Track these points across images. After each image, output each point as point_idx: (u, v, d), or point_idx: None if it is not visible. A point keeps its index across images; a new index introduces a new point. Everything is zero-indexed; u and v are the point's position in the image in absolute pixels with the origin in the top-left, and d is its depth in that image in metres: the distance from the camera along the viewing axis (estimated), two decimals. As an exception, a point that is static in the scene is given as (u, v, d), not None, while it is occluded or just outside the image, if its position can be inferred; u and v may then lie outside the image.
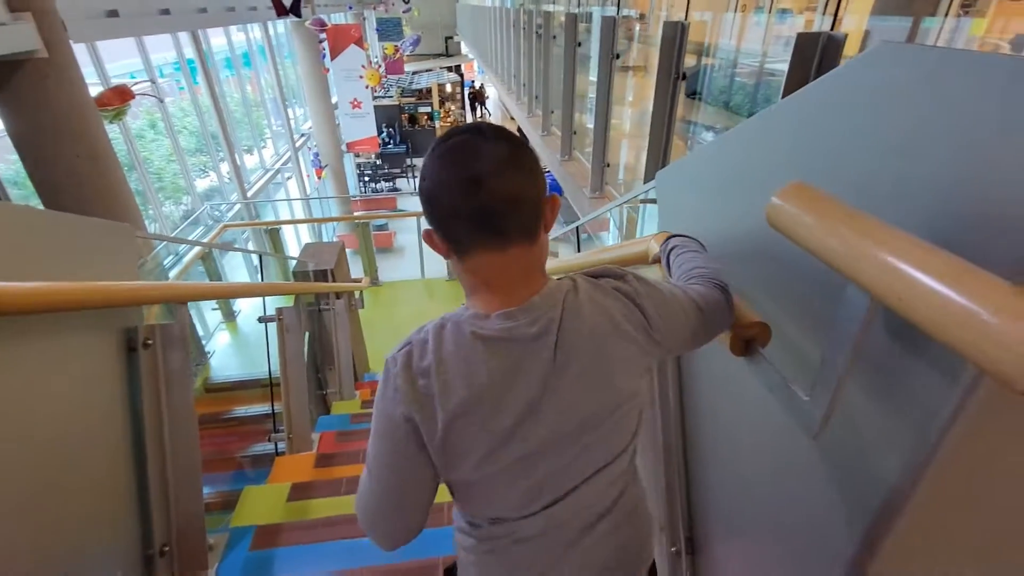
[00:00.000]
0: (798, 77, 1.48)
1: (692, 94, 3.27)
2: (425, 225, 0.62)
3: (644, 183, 2.74)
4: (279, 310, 2.46)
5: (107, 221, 1.40)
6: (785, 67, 3.19)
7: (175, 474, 1.48)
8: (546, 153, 5.36)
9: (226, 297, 1.73)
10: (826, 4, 2.82)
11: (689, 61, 3.08)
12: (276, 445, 2.53)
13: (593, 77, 4.54)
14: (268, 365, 2.56)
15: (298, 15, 6.21)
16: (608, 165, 3.60)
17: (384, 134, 15.32)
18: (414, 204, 13.85)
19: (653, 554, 0.81)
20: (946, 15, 2.39)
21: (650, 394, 0.81)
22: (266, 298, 2.60)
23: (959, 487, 0.55)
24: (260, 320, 2.45)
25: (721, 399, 1.02)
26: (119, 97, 4.39)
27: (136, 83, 5.27)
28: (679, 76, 2.40)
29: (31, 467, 1.02)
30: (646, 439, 1.27)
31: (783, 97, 1.66)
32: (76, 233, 1.28)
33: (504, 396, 0.59)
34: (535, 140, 5.90)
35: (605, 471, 0.67)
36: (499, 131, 0.59)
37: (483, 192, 0.56)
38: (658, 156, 2.61)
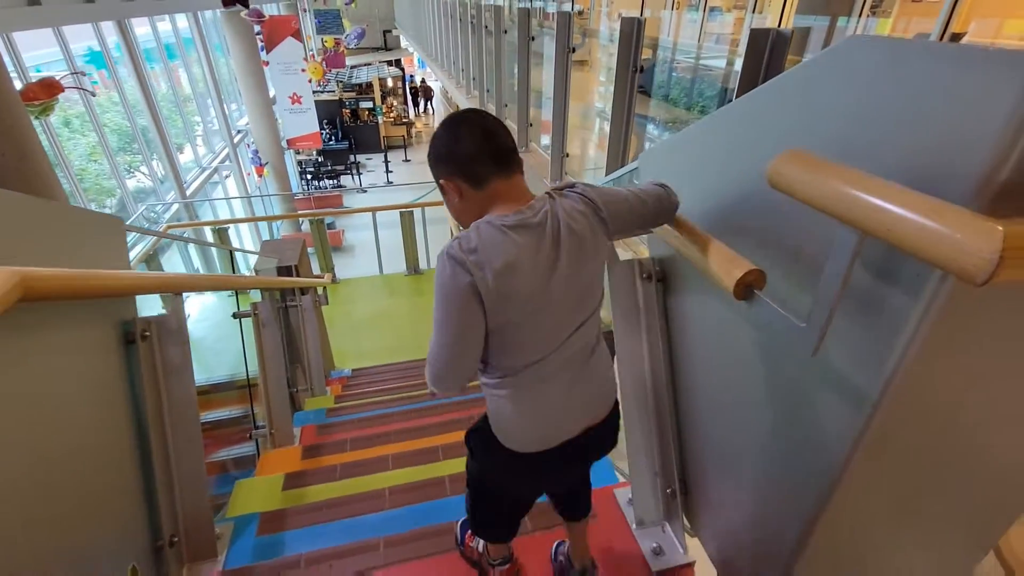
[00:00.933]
0: (751, 68, 1.66)
1: (639, 89, 3.47)
2: (442, 180, 0.93)
3: (606, 173, 2.89)
4: (254, 305, 2.43)
5: (98, 212, 1.38)
6: (723, 63, 3.44)
7: (179, 466, 1.48)
8: (501, 146, 5.44)
9: (218, 289, 1.73)
10: (755, 4, 3.08)
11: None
12: (257, 441, 2.51)
13: (545, 70, 4.67)
14: (245, 363, 2.52)
15: (246, 5, 5.95)
16: (567, 155, 3.74)
17: (325, 132, 14.88)
18: (360, 201, 13.56)
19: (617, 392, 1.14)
20: (859, 15, 2.69)
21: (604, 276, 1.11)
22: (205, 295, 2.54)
23: (930, 374, 0.71)
24: (235, 316, 2.41)
25: (711, 348, 1.16)
26: (46, 91, 4.08)
27: (61, 76, 4.89)
28: (637, 69, 2.56)
29: (38, 462, 1.01)
30: (636, 397, 1.41)
31: (739, 85, 1.85)
32: (68, 223, 1.26)
33: (528, 262, 0.86)
34: (489, 133, 5.95)
35: (591, 319, 0.99)
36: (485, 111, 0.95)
37: (494, 139, 0.90)
38: (619, 145, 2.77)
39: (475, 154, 0.89)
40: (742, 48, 1.92)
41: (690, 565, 1.35)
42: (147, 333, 1.41)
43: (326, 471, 2.02)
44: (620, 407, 1.16)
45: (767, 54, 1.63)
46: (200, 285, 1.60)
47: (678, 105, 3.74)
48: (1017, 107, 0.53)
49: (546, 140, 4.75)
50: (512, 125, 5.34)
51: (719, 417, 1.18)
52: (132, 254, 5.12)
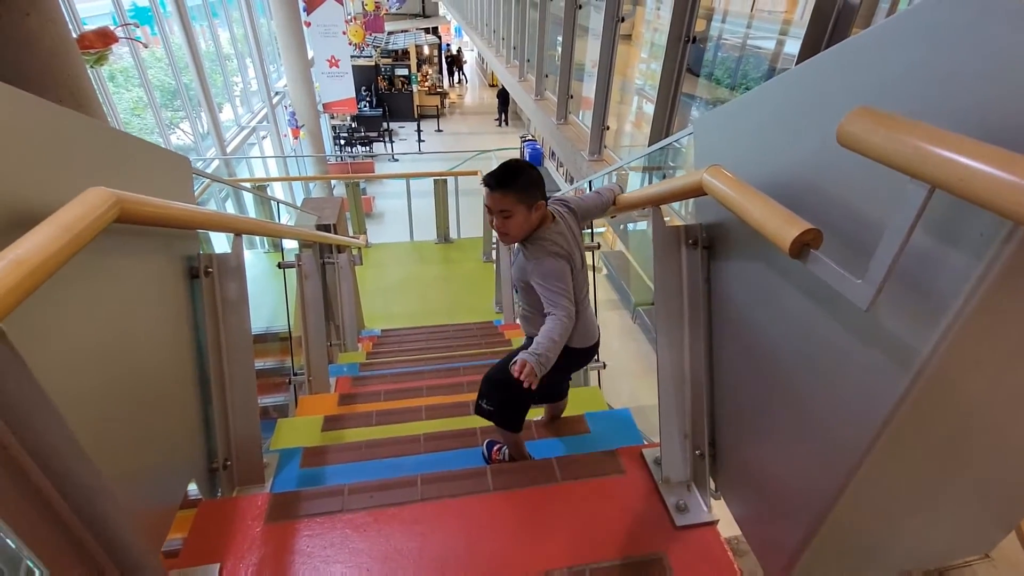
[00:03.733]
0: (814, 36, 1.63)
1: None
2: (540, 203, 1.44)
3: (649, 144, 2.87)
4: (298, 256, 2.52)
5: (167, 150, 1.45)
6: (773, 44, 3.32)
7: (233, 396, 1.57)
8: (539, 117, 5.41)
9: (275, 236, 1.82)
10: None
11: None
12: (294, 387, 2.63)
13: (589, 42, 4.59)
14: (287, 312, 2.63)
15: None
16: (608, 128, 3.71)
17: (362, 100, 14.90)
18: (391, 169, 13.64)
19: None
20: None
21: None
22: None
23: (980, 339, 0.72)
24: (280, 266, 2.50)
25: (754, 312, 1.18)
26: (102, 40, 4.19)
27: (114, 28, 5.00)
28: (690, 39, 2.51)
29: (116, 377, 1.10)
30: (672, 362, 1.44)
31: (799, 55, 1.82)
32: (142, 155, 1.33)
33: (575, 248, 1.50)
34: (527, 104, 5.92)
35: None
36: None
37: None
38: (664, 116, 2.74)
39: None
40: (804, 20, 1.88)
41: (713, 523, 1.40)
42: (210, 269, 1.50)
43: (363, 416, 2.12)
44: (657, 360, 1.45)
45: (832, 24, 1.60)
46: (261, 230, 1.68)
47: (721, 84, 3.63)
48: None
49: (584, 114, 4.70)
50: (552, 97, 5.30)
51: (756, 381, 1.21)
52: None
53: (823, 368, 0.97)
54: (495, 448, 1.79)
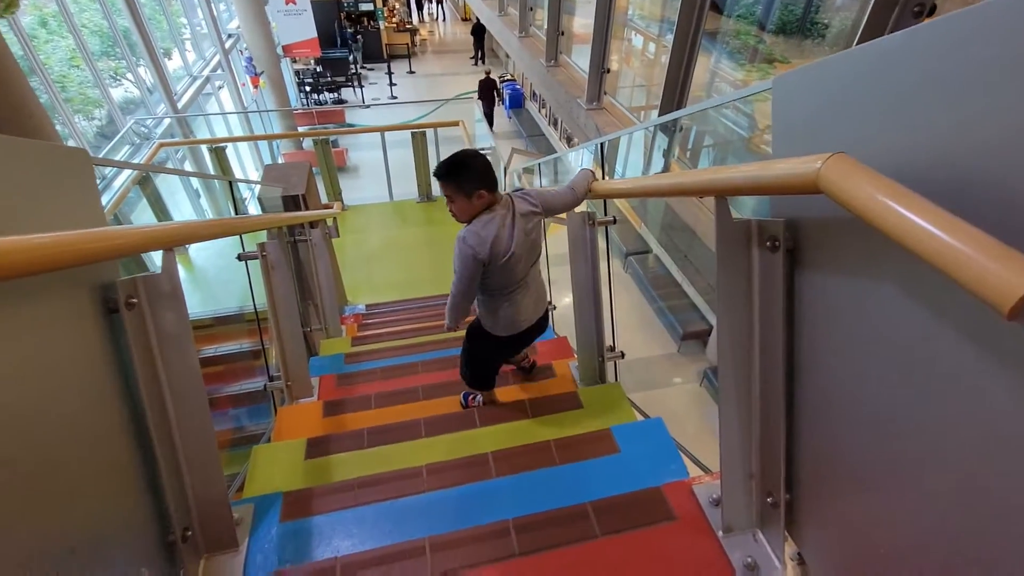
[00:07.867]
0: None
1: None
2: (476, 191, 1.58)
3: (661, 107, 2.45)
4: (261, 246, 2.13)
5: (59, 145, 1.05)
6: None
7: (187, 449, 1.26)
8: (525, 58, 4.86)
9: (217, 236, 1.43)
10: None
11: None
12: (272, 395, 2.31)
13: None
14: (253, 302, 2.27)
15: None
16: (608, 71, 3.25)
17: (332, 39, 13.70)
18: (362, 118, 12.75)
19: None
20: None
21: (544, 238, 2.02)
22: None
23: None
24: (240, 258, 2.12)
25: (867, 342, 0.88)
26: (5, -19, 3.51)
27: (21, -37, 4.24)
28: (719, -38, 2.06)
29: (10, 462, 0.78)
30: (736, 381, 1.15)
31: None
32: (18, 163, 0.94)
33: (504, 239, 1.58)
34: (510, 44, 5.32)
35: (536, 261, 1.77)
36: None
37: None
38: (681, 60, 2.32)
39: (493, 177, 1.60)
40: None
41: (790, 583, 1.16)
42: (133, 300, 1.13)
43: (352, 436, 1.83)
44: (718, 383, 1.20)
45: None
46: (193, 235, 1.28)
47: (759, 24, 2.83)
48: None
49: (579, 54, 4.18)
50: (539, 34, 4.73)
51: (863, 423, 0.93)
52: (124, 175, 4.74)
53: (972, 422, 0.68)
54: (470, 397, 2.13)
